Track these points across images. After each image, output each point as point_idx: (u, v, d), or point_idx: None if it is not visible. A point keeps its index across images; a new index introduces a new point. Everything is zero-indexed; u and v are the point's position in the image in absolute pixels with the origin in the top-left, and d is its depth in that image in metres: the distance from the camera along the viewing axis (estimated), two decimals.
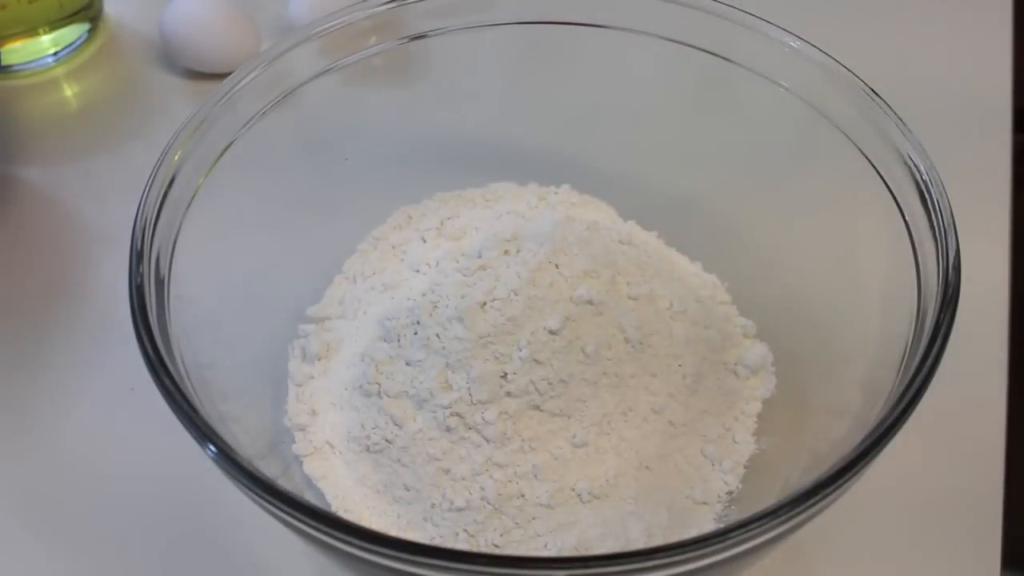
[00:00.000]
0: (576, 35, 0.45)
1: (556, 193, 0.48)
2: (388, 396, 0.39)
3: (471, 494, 0.37)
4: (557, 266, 0.40)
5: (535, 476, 0.37)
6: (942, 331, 0.32)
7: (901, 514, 0.41)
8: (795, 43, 0.41)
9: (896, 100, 0.39)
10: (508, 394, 0.37)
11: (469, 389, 0.37)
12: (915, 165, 0.37)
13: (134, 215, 0.36)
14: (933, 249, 0.35)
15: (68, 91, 0.61)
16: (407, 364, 0.39)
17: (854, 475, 0.30)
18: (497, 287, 0.39)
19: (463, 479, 0.37)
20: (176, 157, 0.38)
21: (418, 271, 0.44)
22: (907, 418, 0.31)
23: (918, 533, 0.40)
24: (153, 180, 0.37)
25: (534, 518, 0.37)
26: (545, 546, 0.37)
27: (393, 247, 0.46)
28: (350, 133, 0.46)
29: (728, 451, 0.40)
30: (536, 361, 0.37)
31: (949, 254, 0.34)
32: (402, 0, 0.44)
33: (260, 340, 0.42)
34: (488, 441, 0.37)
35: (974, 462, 0.42)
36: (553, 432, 0.37)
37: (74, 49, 0.62)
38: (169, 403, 0.32)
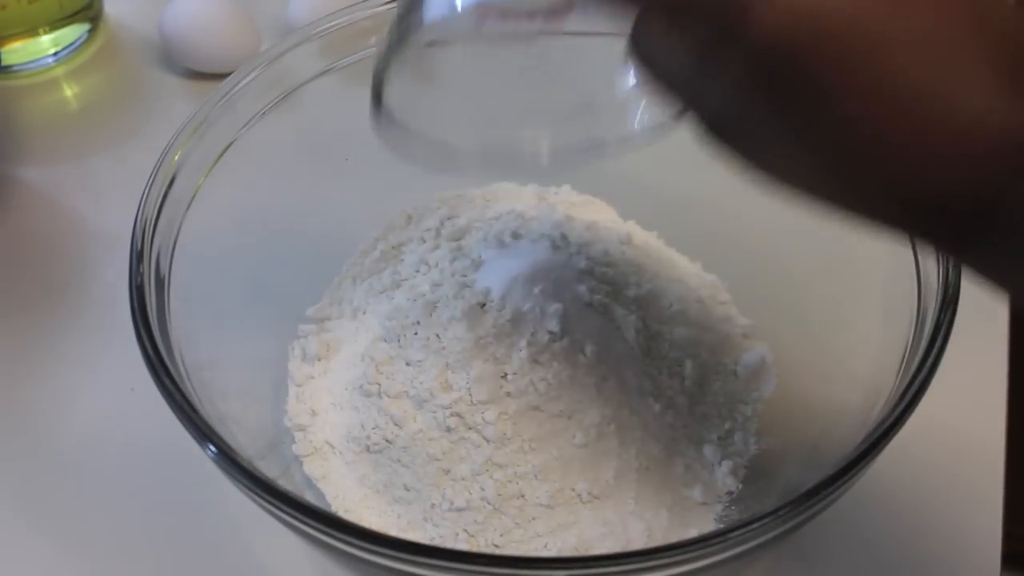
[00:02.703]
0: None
1: (556, 193, 0.48)
2: (388, 396, 0.39)
3: (471, 494, 0.37)
4: None
5: (535, 476, 0.37)
6: (942, 331, 0.32)
7: (901, 514, 0.41)
8: None
9: None
10: (508, 394, 0.37)
11: (469, 389, 0.37)
12: None
13: (134, 215, 0.36)
14: (933, 249, 0.35)
15: (68, 91, 0.61)
16: (407, 364, 0.39)
17: (854, 475, 0.30)
18: (497, 288, 0.39)
19: (463, 479, 0.37)
20: (176, 157, 0.38)
21: (418, 271, 0.44)
22: (907, 418, 0.31)
23: (918, 533, 0.40)
24: (153, 180, 0.37)
25: (534, 518, 0.37)
26: (545, 546, 0.37)
27: (393, 247, 0.46)
28: (350, 133, 0.46)
29: (728, 451, 0.40)
30: (536, 362, 0.37)
31: None
32: None
33: (260, 340, 0.42)
34: (488, 441, 0.37)
35: (974, 462, 0.42)
36: (554, 433, 0.37)
37: (74, 49, 0.61)
38: (169, 403, 0.32)
